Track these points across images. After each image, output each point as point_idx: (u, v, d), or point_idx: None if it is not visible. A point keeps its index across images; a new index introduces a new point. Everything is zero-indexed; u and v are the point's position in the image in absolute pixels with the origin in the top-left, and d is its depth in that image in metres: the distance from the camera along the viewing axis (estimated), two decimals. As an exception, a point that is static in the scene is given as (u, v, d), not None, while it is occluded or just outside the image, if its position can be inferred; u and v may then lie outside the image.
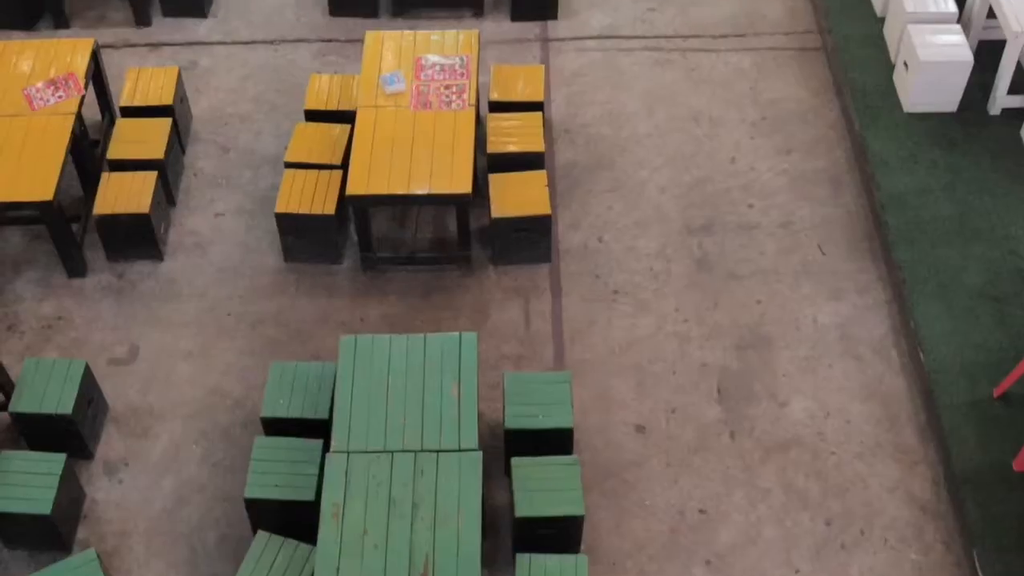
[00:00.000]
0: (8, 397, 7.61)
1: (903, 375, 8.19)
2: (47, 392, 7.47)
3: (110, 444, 7.90)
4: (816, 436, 7.88)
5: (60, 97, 8.80)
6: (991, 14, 9.61)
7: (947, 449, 7.63)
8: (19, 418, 7.49)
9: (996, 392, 7.82)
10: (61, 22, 10.72)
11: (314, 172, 8.69)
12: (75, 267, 8.78)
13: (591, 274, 8.79)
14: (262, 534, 6.91)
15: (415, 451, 6.83)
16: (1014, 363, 7.87)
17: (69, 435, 7.57)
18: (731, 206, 9.21)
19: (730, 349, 8.34)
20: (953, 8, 9.71)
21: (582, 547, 7.28)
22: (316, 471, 7.08)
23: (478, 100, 8.99)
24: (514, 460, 7.11)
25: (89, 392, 7.70)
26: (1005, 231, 8.76)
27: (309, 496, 7.00)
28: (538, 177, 8.68)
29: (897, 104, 9.65)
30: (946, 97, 9.51)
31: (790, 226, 9.07)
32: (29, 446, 7.65)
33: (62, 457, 7.21)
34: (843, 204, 9.23)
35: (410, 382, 7.13)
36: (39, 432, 7.55)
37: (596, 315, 8.55)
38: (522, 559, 6.80)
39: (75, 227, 8.83)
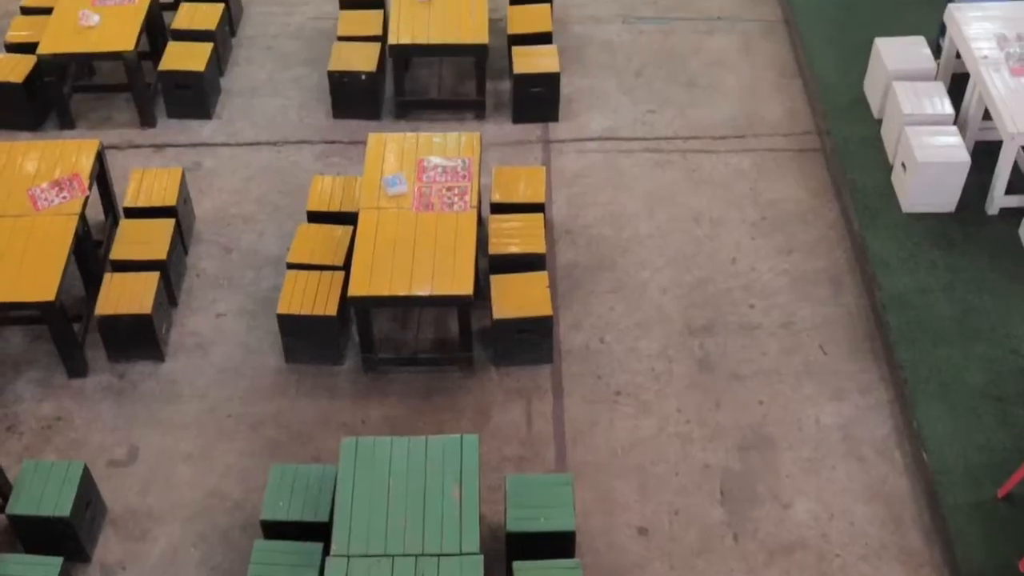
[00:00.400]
0: (6, 499, 7.56)
1: (907, 476, 8.14)
2: (45, 494, 7.42)
3: (108, 547, 7.82)
4: (820, 538, 7.81)
5: (64, 198, 8.87)
6: (987, 115, 9.71)
7: (952, 551, 7.55)
8: (16, 520, 7.43)
9: (1000, 493, 7.76)
10: (67, 123, 10.86)
11: (316, 273, 8.72)
12: (76, 367, 8.78)
13: (593, 375, 8.78)
14: (260, 640, 6.83)
15: (416, 555, 6.76)
16: (1018, 463, 7.82)
17: (66, 538, 7.50)
18: (732, 306, 9.23)
19: (732, 450, 8.30)
20: (949, 110, 9.82)
21: (585, 653, 7.20)
22: (316, 575, 7.00)
23: (480, 201, 9.05)
24: (516, 564, 7.03)
25: (87, 494, 7.64)
26: (1006, 330, 8.77)
27: (308, 601, 6.93)
28: (539, 278, 8.71)
29: (896, 204, 9.71)
30: (944, 198, 9.58)
31: (791, 326, 9.08)
32: (25, 549, 7.57)
33: (58, 561, 7.13)
34: (844, 304, 9.24)
35: (411, 485, 7.08)
36: (36, 535, 7.48)
37: (598, 416, 8.52)
38: (524, 666, 6.72)
39: (76, 327, 8.84)
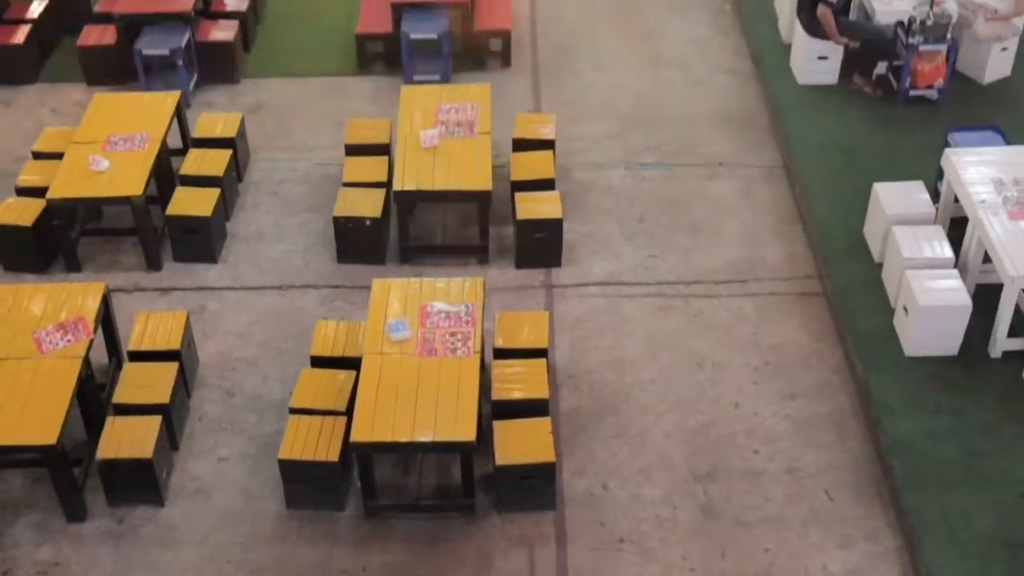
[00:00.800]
0: (0, 649, 7.45)
1: (917, 626, 8.02)
2: (40, 645, 7.32)
3: None
4: None
5: (69, 341, 8.90)
6: (987, 259, 9.77)
7: None
8: (10, 672, 7.31)
9: (1013, 644, 7.65)
10: (73, 266, 10.94)
11: (319, 418, 8.70)
12: (75, 511, 8.70)
13: (596, 522, 8.68)
14: None
15: None
16: (1030, 614, 7.72)
17: None
18: (736, 452, 9.17)
19: (739, 599, 8.19)
20: (949, 253, 9.89)
21: None
22: None
23: (483, 346, 9.07)
24: None
25: (83, 644, 7.53)
26: (1013, 475, 8.70)
27: None
28: (542, 424, 8.68)
29: (899, 348, 9.72)
30: (946, 341, 9.59)
31: (796, 472, 9.01)
32: None
33: None
34: (849, 449, 9.18)
35: (412, 635, 6.97)
36: None
37: (601, 564, 8.39)
38: None
39: (77, 471, 8.78)
